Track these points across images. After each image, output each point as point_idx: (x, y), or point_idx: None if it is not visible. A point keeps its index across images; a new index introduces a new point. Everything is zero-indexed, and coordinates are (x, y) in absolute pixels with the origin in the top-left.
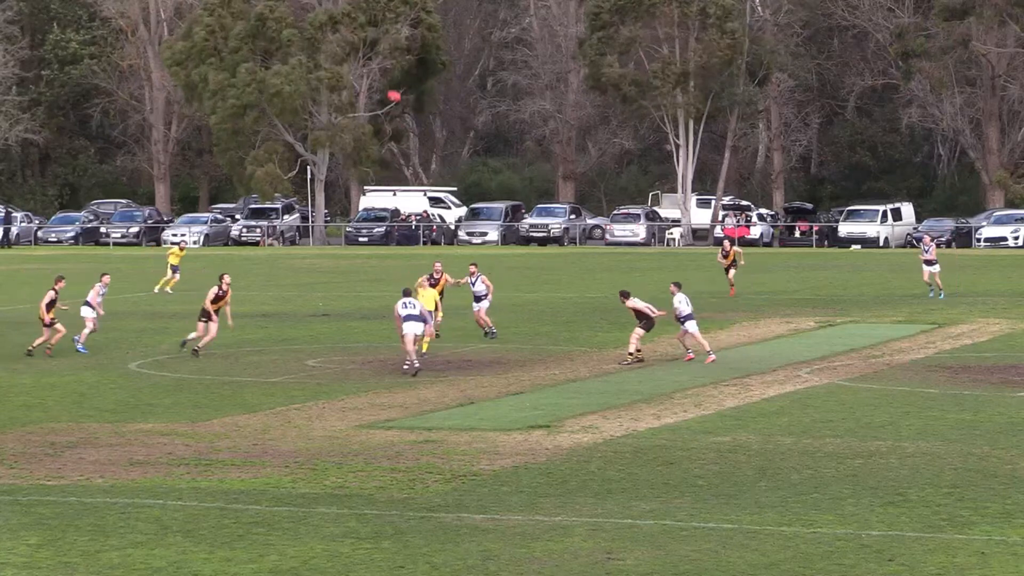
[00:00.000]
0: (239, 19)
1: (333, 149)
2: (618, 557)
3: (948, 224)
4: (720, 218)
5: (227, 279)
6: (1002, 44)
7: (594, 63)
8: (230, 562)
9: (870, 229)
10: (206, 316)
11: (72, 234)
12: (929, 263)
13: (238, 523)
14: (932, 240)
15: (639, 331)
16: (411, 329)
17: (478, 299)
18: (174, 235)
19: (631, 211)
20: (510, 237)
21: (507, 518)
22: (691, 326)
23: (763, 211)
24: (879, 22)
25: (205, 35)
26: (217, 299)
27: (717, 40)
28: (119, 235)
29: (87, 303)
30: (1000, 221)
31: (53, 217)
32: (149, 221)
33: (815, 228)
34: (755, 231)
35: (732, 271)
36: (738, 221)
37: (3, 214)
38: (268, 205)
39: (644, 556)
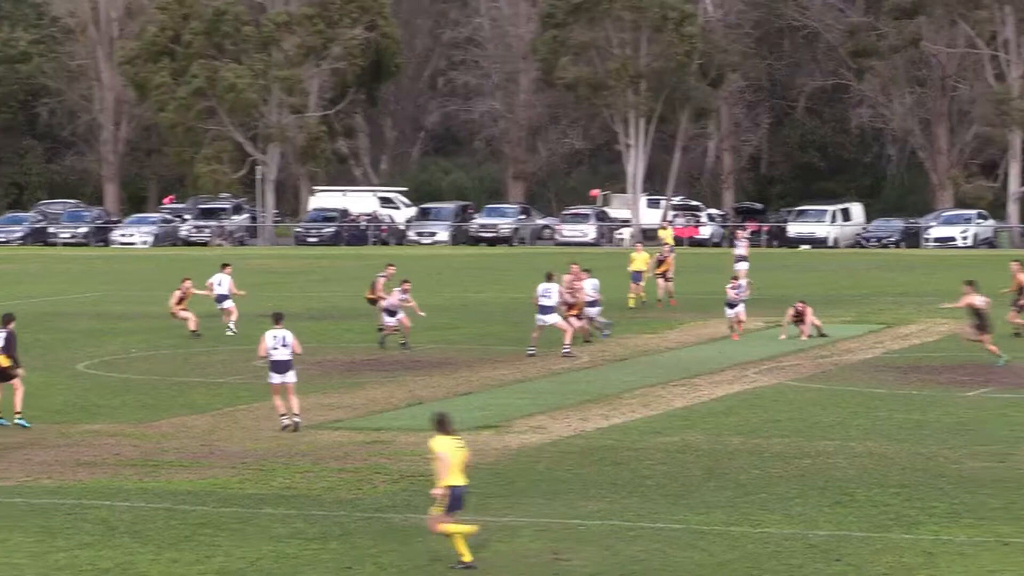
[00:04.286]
0: (194, 18)
1: (284, 147)
2: (565, 557)
3: (897, 224)
4: (670, 218)
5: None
6: (952, 44)
7: (547, 61)
8: (177, 563)
9: (819, 229)
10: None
11: (20, 234)
12: (741, 259)
13: (185, 524)
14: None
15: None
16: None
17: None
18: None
19: (581, 211)
20: (460, 237)
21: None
22: (593, 312)
23: (712, 211)
24: (829, 22)
25: (157, 32)
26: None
27: (675, 43)
28: (68, 235)
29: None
30: (949, 221)
31: (1, 217)
32: (98, 221)
33: (764, 228)
34: (704, 231)
35: (667, 280)
36: (686, 222)
37: None
38: (217, 205)
39: (592, 556)
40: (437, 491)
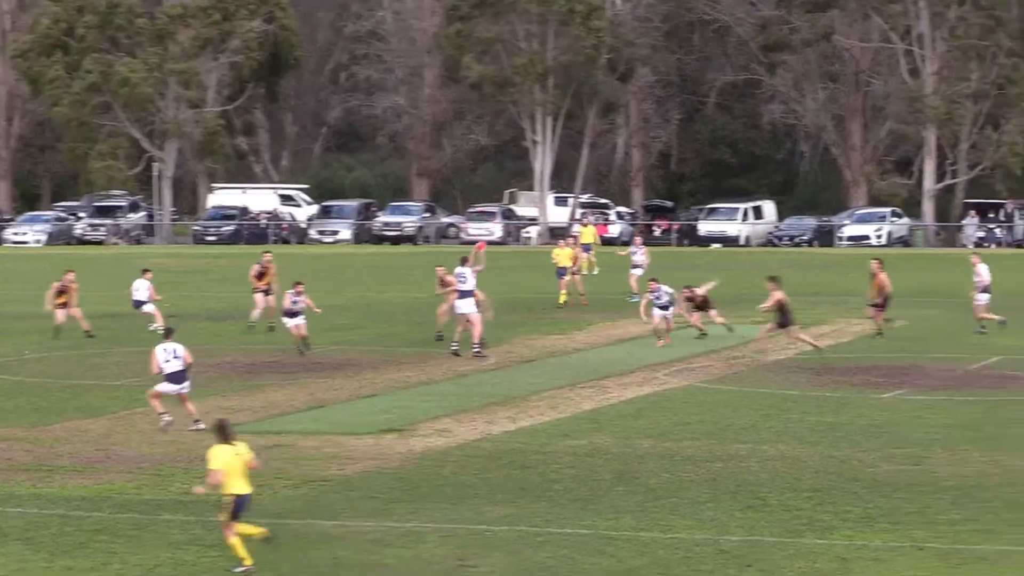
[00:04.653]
0: (88, 11)
1: (182, 143)
2: (471, 564)
3: (810, 222)
4: (578, 216)
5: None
6: (866, 38)
7: (451, 58)
8: (71, 571)
9: (731, 228)
10: None
11: None
12: (637, 266)
13: (80, 531)
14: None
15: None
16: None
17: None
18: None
19: (487, 209)
20: (363, 236)
21: (358, 524)
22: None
23: (621, 209)
24: (741, 16)
25: (50, 24)
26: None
27: (582, 37)
28: None
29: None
30: (862, 219)
31: None
32: None
33: (675, 227)
34: (613, 230)
35: (578, 277)
36: (596, 220)
37: None
38: (113, 203)
39: (498, 562)
40: (199, 489)
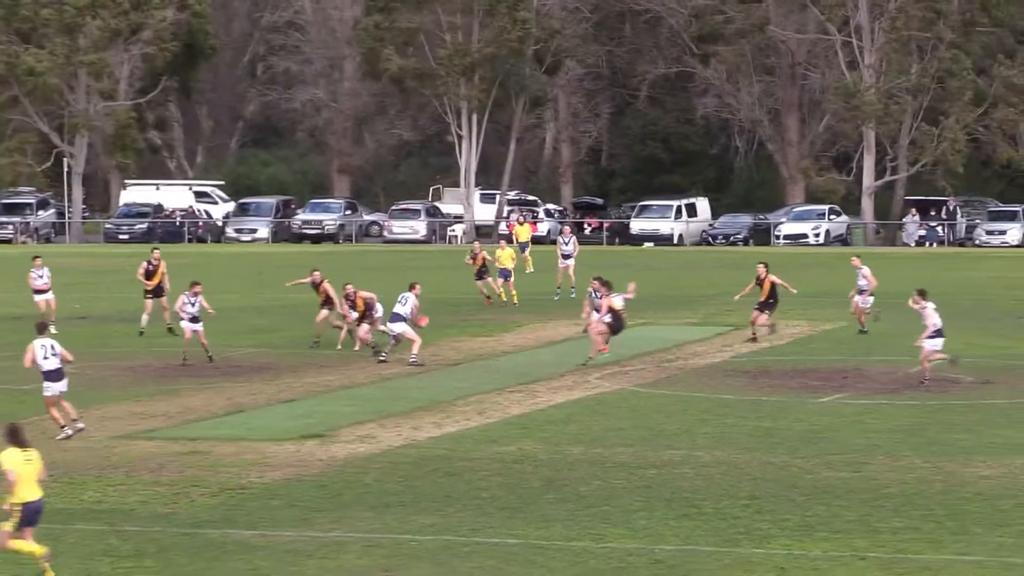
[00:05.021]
0: None
1: (92, 138)
2: (396, 574)
3: (746, 220)
4: (505, 214)
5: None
6: (802, 30)
7: (372, 51)
8: None
9: (663, 226)
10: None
11: None
12: (567, 256)
13: None
14: (571, 231)
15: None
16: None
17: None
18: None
19: (411, 206)
20: (281, 234)
21: (278, 534)
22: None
23: (550, 206)
24: (673, 6)
25: None
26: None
27: (508, 28)
28: None
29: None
30: (800, 217)
31: None
32: None
33: (605, 225)
34: (542, 228)
35: (488, 279)
36: (524, 218)
37: None
38: (21, 200)
39: (424, 574)
40: (6, 506)
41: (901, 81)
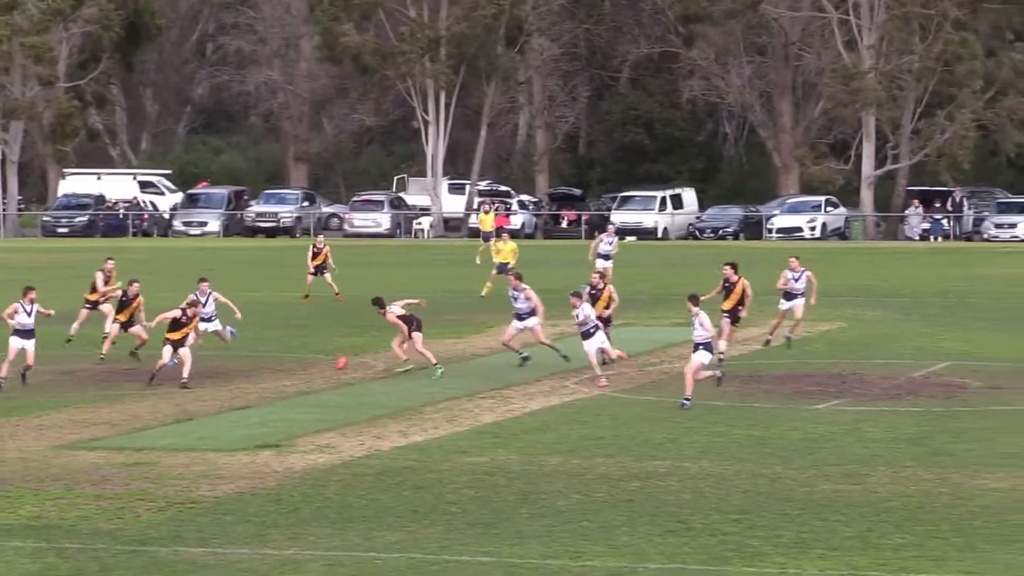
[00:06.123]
0: None
1: (29, 125)
2: None
3: (736, 212)
4: (476, 206)
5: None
6: (796, 7)
7: (328, 30)
8: None
9: (646, 218)
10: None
11: None
12: (606, 257)
13: None
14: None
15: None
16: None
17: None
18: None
19: (373, 197)
20: (233, 227)
21: (231, 551)
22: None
23: (524, 198)
24: None
25: None
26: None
27: (480, 4)
28: None
29: None
30: (794, 209)
31: None
32: None
33: (584, 217)
34: (515, 220)
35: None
36: (496, 209)
37: None
38: None
39: None
40: None
41: (903, 63)
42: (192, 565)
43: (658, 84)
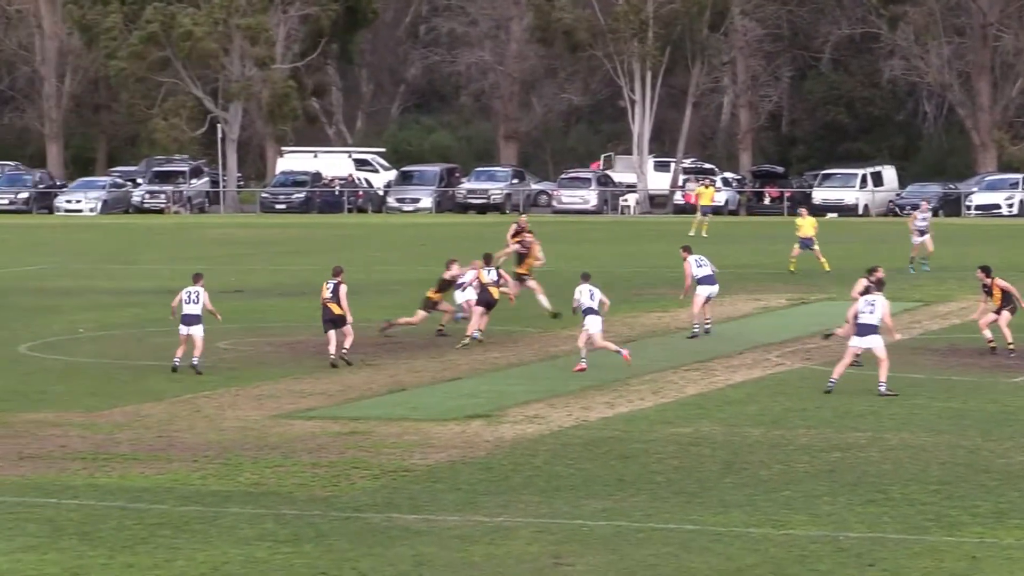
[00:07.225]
0: None
1: (248, 104)
2: (567, 562)
3: (935, 190)
4: (681, 183)
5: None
6: None
7: (540, 9)
8: (132, 568)
9: (848, 195)
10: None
11: None
12: (922, 232)
13: (141, 524)
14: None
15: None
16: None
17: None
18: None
19: (581, 175)
20: (445, 204)
21: (442, 518)
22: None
23: (728, 175)
24: None
25: None
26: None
27: None
28: (6, 202)
29: None
30: (992, 187)
31: None
32: (40, 186)
33: (786, 194)
34: (719, 197)
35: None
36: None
37: None
38: (174, 168)
39: (596, 561)
40: None
41: None
42: (405, 532)
43: (859, 64)
